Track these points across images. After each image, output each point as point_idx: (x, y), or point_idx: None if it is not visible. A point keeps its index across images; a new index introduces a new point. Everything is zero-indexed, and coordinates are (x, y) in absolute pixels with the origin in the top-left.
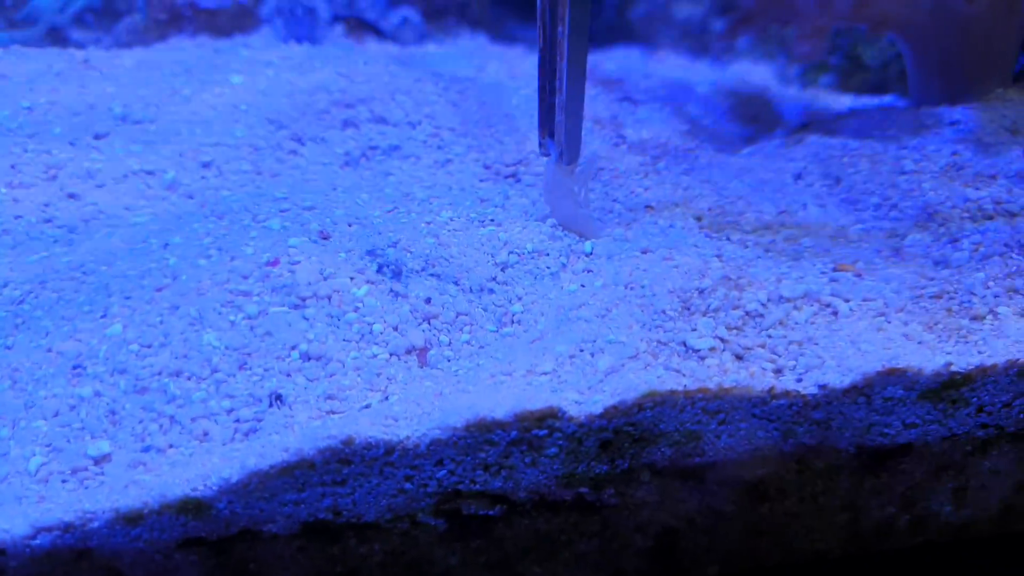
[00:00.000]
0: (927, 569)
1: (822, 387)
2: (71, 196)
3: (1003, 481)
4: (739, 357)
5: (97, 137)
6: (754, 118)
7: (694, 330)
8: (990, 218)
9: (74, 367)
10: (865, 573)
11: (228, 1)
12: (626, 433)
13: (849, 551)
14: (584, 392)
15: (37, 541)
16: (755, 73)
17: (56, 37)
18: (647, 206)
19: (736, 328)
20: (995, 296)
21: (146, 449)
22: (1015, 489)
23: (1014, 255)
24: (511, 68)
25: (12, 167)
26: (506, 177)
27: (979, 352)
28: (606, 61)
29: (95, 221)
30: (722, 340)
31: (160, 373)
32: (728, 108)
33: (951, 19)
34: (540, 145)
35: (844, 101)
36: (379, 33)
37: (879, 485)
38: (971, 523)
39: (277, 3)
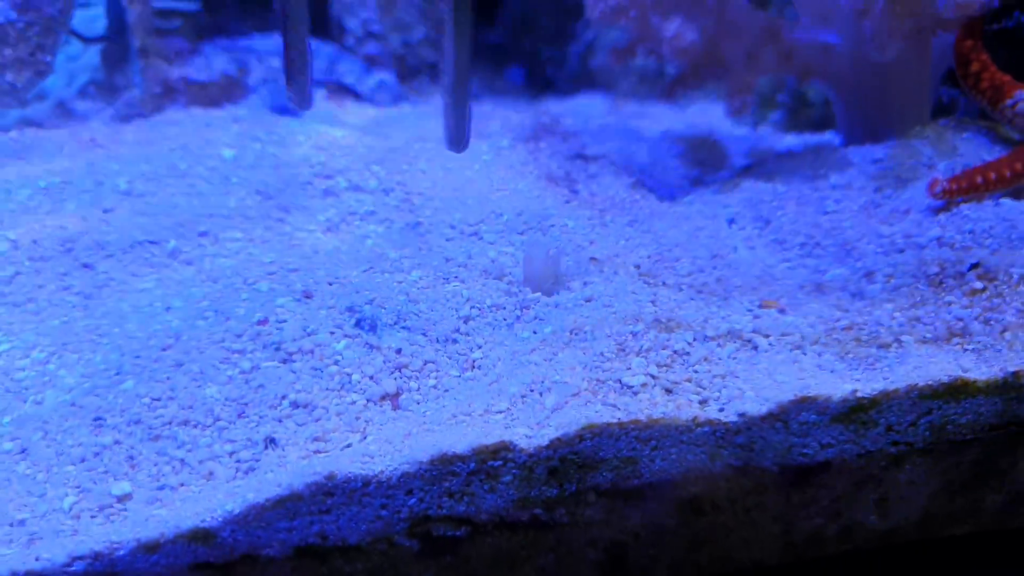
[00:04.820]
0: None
1: (741, 415)
2: (85, 266)
3: (920, 491)
4: (668, 391)
5: (106, 211)
6: (702, 162)
7: (628, 369)
8: (901, 251)
9: (95, 419)
10: None
11: (217, 74)
12: (571, 461)
13: (785, 560)
14: (533, 427)
15: (73, 568)
16: (711, 112)
17: (63, 110)
18: (592, 258)
19: (665, 365)
20: (900, 326)
21: (161, 488)
22: (932, 498)
23: (920, 286)
24: (477, 126)
25: (33, 242)
26: (469, 236)
27: (884, 378)
28: (566, 115)
29: (107, 288)
30: (653, 377)
31: (170, 423)
32: (679, 153)
33: (867, 68)
34: (288, 99)
35: (787, 140)
36: (357, 96)
37: (805, 499)
38: (896, 530)
39: (262, 73)
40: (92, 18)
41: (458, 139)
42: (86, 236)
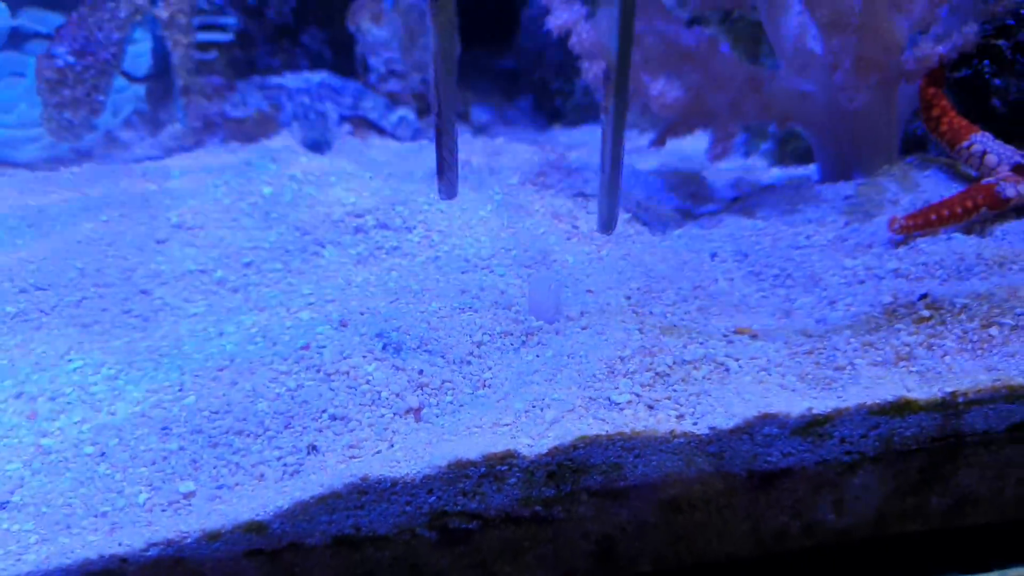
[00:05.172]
0: (819, 566)
1: (712, 428)
2: (143, 292)
3: (873, 494)
4: (650, 407)
5: (159, 243)
6: (693, 195)
7: (616, 388)
8: (862, 282)
9: (163, 428)
10: (771, 570)
11: (252, 110)
12: (566, 466)
13: (755, 553)
14: (534, 438)
15: (149, 553)
16: (705, 142)
17: (109, 139)
18: (588, 290)
19: (648, 385)
20: (854, 350)
21: (220, 487)
22: (884, 500)
23: (875, 314)
24: (489, 162)
25: (97, 270)
26: (482, 269)
27: (837, 397)
28: (572, 147)
29: (162, 312)
30: (637, 395)
31: (227, 432)
32: (672, 186)
33: (839, 113)
34: (440, 190)
35: (772, 173)
36: (380, 131)
37: (771, 500)
38: (853, 528)
39: (294, 110)
40: (138, 58)
41: (609, 224)
42: (143, 266)
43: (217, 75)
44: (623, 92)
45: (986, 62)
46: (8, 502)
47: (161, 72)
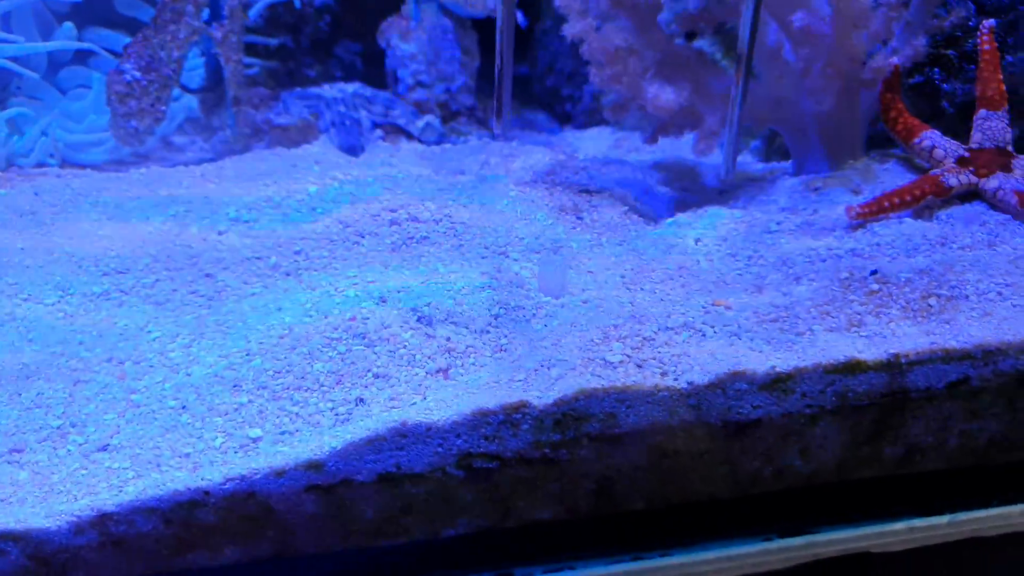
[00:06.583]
0: (787, 506)
1: (690, 383)
2: (207, 275)
3: (833, 442)
4: (639, 366)
5: (220, 233)
6: (685, 188)
7: (610, 350)
8: (824, 260)
9: (234, 386)
10: (747, 508)
11: (295, 118)
12: (569, 415)
13: (734, 494)
14: (543, 391)
15: (225, 486)
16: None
17: (165, 143)
18: (589, 271)
19: (637, 348)
20: (813, 318)
21: (283, 433)
22: (843, 448)
23: (833, 287)
24: (506, 162)
25: (167, 257)
26: (498, 255)
27: (798, 357)
28: (580, 147)
29: (225, 293)
30: (628, 356)
31: (288, 388)
32: (667, 180)
33: (808, 116)
34: (493, 129)
35: (757, 168)
36: (409, 136)
37: (744, 447)
38: (817, 472)
39: (331, 117)
40: (193, 71)
41: (728, 172)
42: (206, 253)
43: (263, 86)
44: (747, 72)
45: (936, 70)
46: (108, 444)
47: (214, 84)
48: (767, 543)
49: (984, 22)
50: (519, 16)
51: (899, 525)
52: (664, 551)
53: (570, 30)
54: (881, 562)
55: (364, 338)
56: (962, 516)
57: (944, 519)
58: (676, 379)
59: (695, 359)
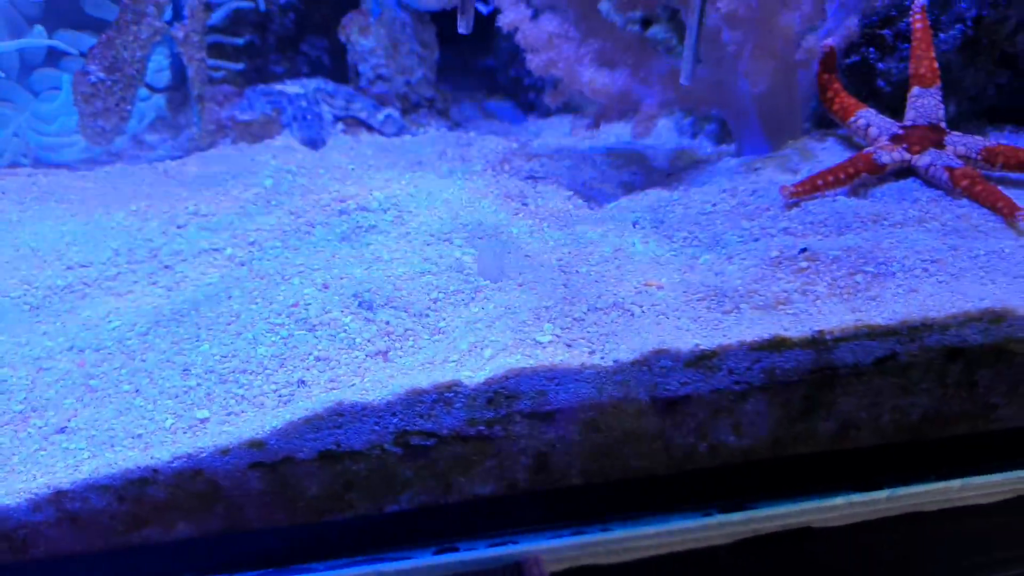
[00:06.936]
0: (725, 482)
1: (616, 361)
2: (166, 267)
3: (765, 419)
4: (568, 345)
5: (179, 227)
6: (634, 172)
7: (541, 331)
8: (756, 240)
9: (184, 370)
10: (684, 484)
11: (258, 114)
12: (501, 393)
13: (671, 471)
14: (475, 371)
15: (174, 464)
16: (660, 125)
17: (136, 140)
18: (527, 255)
19: (567, 328)
20: (741, 297)
21: (229, 414)
22: (776, 424)
23: (763, 267)
24: (461, 152)
25: (129, 250)
26: (442, 241)
27: (723, 336)
28: (538, 136)
29: (184, 283)
30: (558, 336)
31: (234, 371)
32: (618, 165)
33: (747, 97)
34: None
35: (708, 151)
36: (369, 128)
37: (676, 423)
38: (752, 448)
39: (293, 112)
40: (159, 71)
41: (688, 78)
42: (166, 246)
43: (231, 84)
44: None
45: (872, 49)
46: (66, 427)
47: (180, 83)
48: (707, 518)
49: (916, 1)
50: (479, 4)
51: (839, 500)
52: (604, 525)
53: (504, 20)
54: (822, 537)
55: (306, 323)
56: (901, 491)
57: (883, 494)
58: (603, 357)
59: (622, 338)
